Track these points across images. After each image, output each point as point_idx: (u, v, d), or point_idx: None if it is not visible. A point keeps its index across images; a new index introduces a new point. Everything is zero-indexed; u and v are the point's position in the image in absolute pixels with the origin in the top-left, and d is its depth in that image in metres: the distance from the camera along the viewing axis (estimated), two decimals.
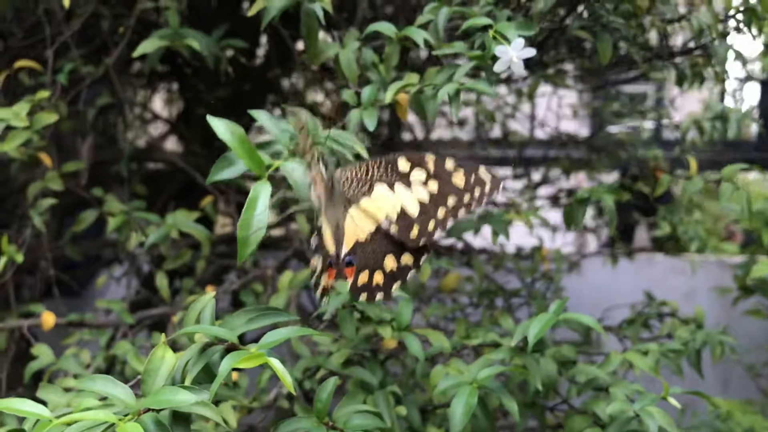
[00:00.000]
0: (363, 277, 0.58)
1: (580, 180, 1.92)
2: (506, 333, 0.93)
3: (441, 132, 2.35)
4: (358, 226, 0.58)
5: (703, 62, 1.14)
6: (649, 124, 2.22)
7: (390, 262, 0.59)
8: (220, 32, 1.01)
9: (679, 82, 1.24)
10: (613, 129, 2.04)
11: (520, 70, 0.68)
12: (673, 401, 0.75)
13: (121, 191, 1.15)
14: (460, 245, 1.42)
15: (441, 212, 0.58)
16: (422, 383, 0.84)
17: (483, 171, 0.58)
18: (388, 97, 0.70)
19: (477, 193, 0.58)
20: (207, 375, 0.55)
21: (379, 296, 0.59)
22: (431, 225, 0.58)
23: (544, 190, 1.92)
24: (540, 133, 2.08)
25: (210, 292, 0.59)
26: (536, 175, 1.96)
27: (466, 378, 0.69)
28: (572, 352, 0.93)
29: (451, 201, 0.57)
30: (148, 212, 1.01)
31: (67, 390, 0.68)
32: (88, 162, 1.08)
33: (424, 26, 0.77)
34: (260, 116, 0.59)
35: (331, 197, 0.57)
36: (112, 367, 0.93)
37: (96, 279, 1.38)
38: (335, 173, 0.59)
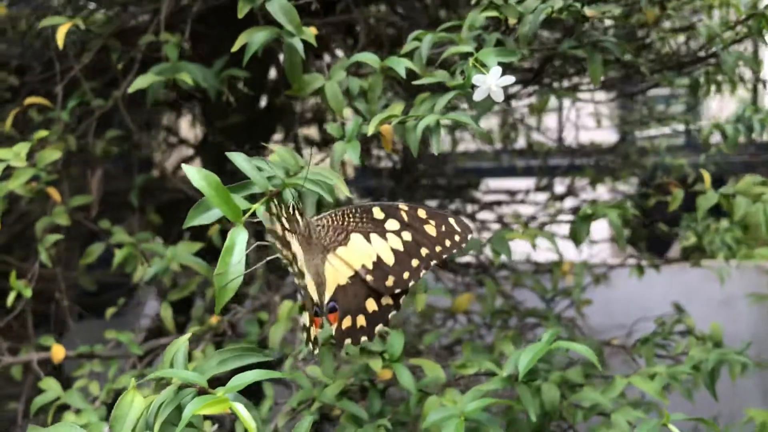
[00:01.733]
0: (347, 322, 0.60)
1: (600, 192, 1.89)
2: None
3: (467, 144, 2.35)
4: (338, 271, 0.59)
5: (714, 70, 1.11)
6: (680, 130, 2.18)
7: (371, 305, 0.60)
8: (221, 64, 1.01)
9: (693, 90, 1.22)
10: (642, 136, 2.01)
11: (499, 98, 0.67)
12: (673, 429, 0.73)
13: (134, 221, 1.16)
14: (474, 261, 1.41)
15: (414, 262, 0.59)
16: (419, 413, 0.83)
17: (453, 221, 0.60)
18: (370, 129, 0.69)
19: (448, 243, 0.59)
20: (180, 418, 0.55)
21: (363, 339, 0.60)
22: (406, 275, 0.59)
23: (569, 202, 1.89)
24: (565, 143, 2.06)
25: (186, 335, 0.59)
26: (562, 187, 1.94)
27: (453, 411, 0.68)
28: (579, 376, 0.92)
29: (423, 251, 0.59)
30: (163, 242, 1.03)
31: None
32: (98, 194, 1.10)
33: (411, 54, 0.77)
34: (236, 159, 0.59)
35: (309, 245, 0.58)
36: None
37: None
38: (311, 221, 0.59)
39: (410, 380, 0.74)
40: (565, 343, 0.74)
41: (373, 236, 0.59)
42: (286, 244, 0.54)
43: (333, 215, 0.60)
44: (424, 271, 0.59)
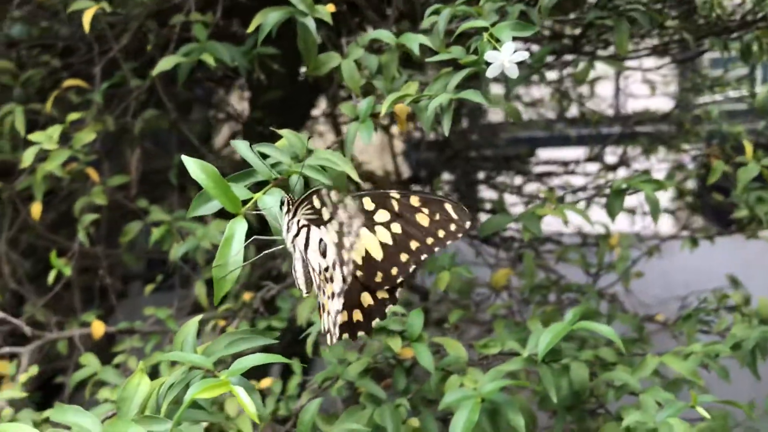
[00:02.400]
0: (343, 316, 0.58)
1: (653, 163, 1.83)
2: None
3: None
4: None
5: (761, 34, 1.06)
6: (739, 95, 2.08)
7: (366, 299, 0.58)
8: (252, 42, 1.01)
9: (744, 56, 1.16)
10: (701, 102, 1.94)
11: (513, 74, 0.65)
12: (702, 411, 0.71)
13: (174, 199, 1.19)
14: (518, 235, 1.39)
15: (404, 257, 0.57)
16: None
17: (450, 208, 0.56)
18: (383, 109, 0.69)
19: (441, 234, 0.56)
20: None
21: (360, 333, 0.59)
22: (394, 270, 0.57)
23: (622, 172, 1.84)
24: (618, 111, 2.00)
25: (196, 318, 0.60)
26: (614, 157, 1.89)
27: (470, 392, 0.68)
28: (612, 355, 0.90)
29: (414, 244, 0.57)
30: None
31: None
32: (137, 173, 1.12)
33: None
34: (238, 146, 0.59)
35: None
36: (155, 375, 0.96)
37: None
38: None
39: (430, 360, 0.74)
40: (587, 324, 0.73)
41: (362, 229, 0.57)
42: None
43: None
44: (413, 266, 0.57)
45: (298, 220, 0.55)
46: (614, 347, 0.94)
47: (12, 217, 1.19)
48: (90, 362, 0.93)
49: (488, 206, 1.84)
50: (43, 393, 1.18)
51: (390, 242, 0.57)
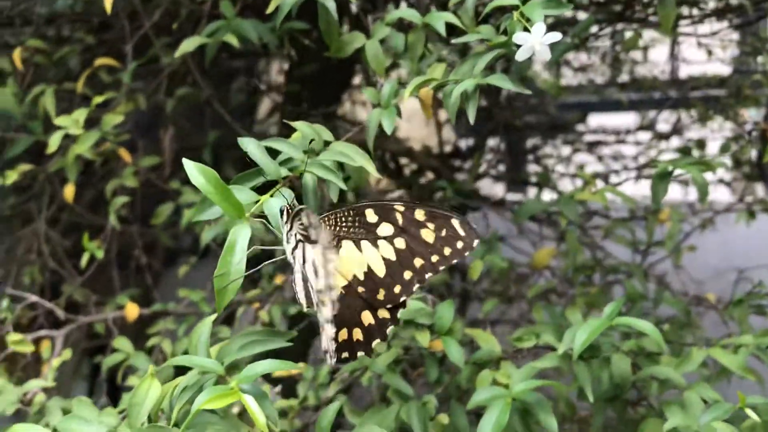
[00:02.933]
0: (342, 334, 0.55)
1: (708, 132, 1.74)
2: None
3: (568, 80, 2.23)
4: None
5: None
6: None
7: (367, 318, 0.55)
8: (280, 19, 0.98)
9: None
10: (762, 68, 1.83)
11: (546, 57, 0.60)
12: (751, 413, 0.67)
13: None
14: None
15: (407, 275, 0.54)
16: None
17: (457, 224, 0.53)
18: (406, 94, 0.65)
19: (447, 251, 0.53)
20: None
21: (361, 354, 0.56)
22: (397, 289, 0.54)
23: (675, 141, 1.76)
24: (672, 76, 1.91)
25: (210, 318, 0.58)
26: (667, 126, 1.80)
27: (501, 391, 0.65)
28: (656, 344, 0.85)
29: (418, 262, 0.53)
30: None
31: None
32: (171, 152, 1.11)
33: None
34: (246, 144, 0.56)
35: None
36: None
37: None
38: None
39: (459, 355, 0.71)
40: (626, 320, 0.69)
41: (364, 243, 0.54)
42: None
43: (326, 219, 0.55)
44: (417, 285, 0.54)
45: (295, 234, 0.52)
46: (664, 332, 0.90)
47: (51, 195, 1.20)
48: (123, 346, 0.93)
49: (535, 179, 1.79)
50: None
51: (393, 258, 0.54)
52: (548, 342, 0.75)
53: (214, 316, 0.60)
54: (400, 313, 0.66)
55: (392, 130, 0.65)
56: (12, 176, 0.90)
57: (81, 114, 0.88)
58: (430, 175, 1.42)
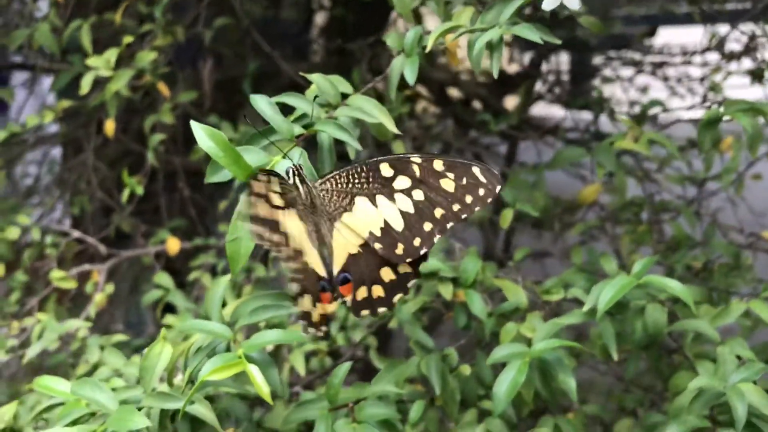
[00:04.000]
0: (362, 292, 0.54)
1: None
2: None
3: None
4: (347, 240, 0.53)
5: None
6: None
7: (387, 273, 0.54)
8: None
9: None
10: None
11: (574, 5, 0.56)
12: None
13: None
14: None
15: (427, 226, 0.52)
16: None
17: (478, 170, 0.51)
18: (429, 42, 0.62)
19: (469, 199, 0.51)
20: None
21: (381, 310, 0.55)
22: (417, 241, 0.52)
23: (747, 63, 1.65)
24: None
25: (225, 278, 0.59)
26: (738, 45, 1.68)
27: (520, 349, 0.63)
28: (697, 293, 0.83)
29: (438, 212, 0.52)
30: None
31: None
32: (210, 85, 1.10)
33: None
34: (257, 102, 0.55)
35: (314, 214, 0.53)
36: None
37: None
38: (315, 185, 0.53)
39: (482, 308, 0.70)
40: (654, 279, 0.67)
41: (380, 198, 0.52)
42: (274, 227, 0.49)
43: (338, 176, 0.54)
44: (438, 236, 0.52)
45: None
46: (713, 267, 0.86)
47: (98, 126, 1.21)
48: (164, 282, 0.95)
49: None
50: None
51: (411, 211, 0.52)
52: (576, 296, 0.73)
53: (227, 277, 0.60)
54: (422, 267, 0.66)
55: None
56: (48, 116, 0.90)
57: (112, 54, 0.88)
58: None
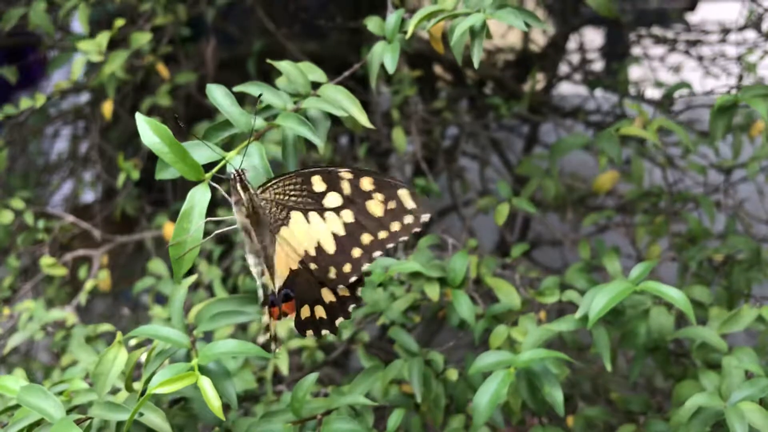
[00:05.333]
0: (305, 311, 0.51)
1: None
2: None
3: None
4: (288, 255, 0.50)
5: None
6: None
7: (327, 295, 0.51)
8: None
9: None
10: None
11: None
12: None
13: None
14: None
15: (356, 252, 0.48)
16: None
17: (405, 195, 0.47)
18: (410, 27, 0.58)
19: (395, 227, 0.47)
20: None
21: (324, 332, 0.52)
22: (347, 267, 0.48)
23: None
24: None
25: (189, 279, 0.56)
26: None
27: (505, 358, 0.60)
28: (706, 295, 0.78)
29: (366, 237, 0.47)
30: None
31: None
32: (213, 64, 1.07)
33: None
34: (212, 92, 0.52)
35: (257, 224, 0.50)
36: (225, 280, 0.95)
37: None
38: (257, 193, 0.49)
39: (469, 311, 0.66)
40: (652, 285, 0.62)
41: (312, 215, 0.48)
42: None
43: (274, 185, 0.49)
44: (367, 264, 0.48)
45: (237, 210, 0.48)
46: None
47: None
48: (157, 269, 0.94)
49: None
50: None
51: (342, 233, 0.48)
52: (571, 300, 0.69)
53: (191, 280, 0.57)
54: (403, 267, 0.62)
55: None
56: (40, 100, 0.88)
57: (104, 37, 0.85)
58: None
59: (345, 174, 0.47)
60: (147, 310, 1.17)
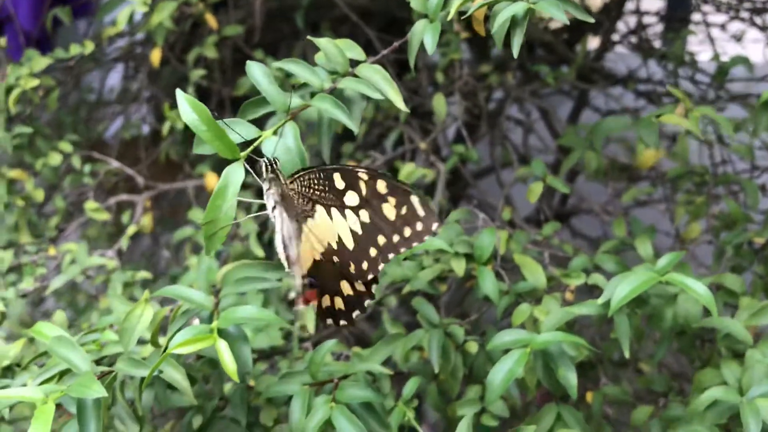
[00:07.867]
0: (326, 300, 0.53)
1: None
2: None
3: None
4: (312, 245, 0.51)
5: None
6: None
7: (346, 287, 0.52)
8: None
9: None
10: None
11: None
12: None
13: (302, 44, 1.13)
14: None
15: (372, 251, 0.49)
16: None
17: (416, 202, 0.47)
18: (452, 9, 0.57)
19: (407, 232, 0.48)
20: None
21: (343, 323, 0.53)
22: (364, 265, 0.50)
23: None
24: None
25: None
26: None
27: (522, 338, 0.60)
28: (738, 284, 0.77)
29: (381, 239, 0.48)
30: None
31: None
32: (261, 16, 1.07)
33: None
34: (251, 69, 0.52)
35: (288, 211, 0.50)
36: (261, 234, 0.97)
37: None
38: (286, 183, 0.50)
39: (493, 288, 0.67)
40: (677, 278, 0.61)
41: (334, 212, 0.50)
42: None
43: (300, 179, 0.50)
44: (382, 265, 0.49)
45: (272, 194, 0.49)
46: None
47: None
48: (196, 217, 0.96)
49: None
50: None
51: (360, 231, 0.49)
52: (597, 283, 0.69)
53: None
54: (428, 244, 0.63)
55: None
56: (90, 46, 0.90)
57: None
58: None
59: (362, 175, 0.48)
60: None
